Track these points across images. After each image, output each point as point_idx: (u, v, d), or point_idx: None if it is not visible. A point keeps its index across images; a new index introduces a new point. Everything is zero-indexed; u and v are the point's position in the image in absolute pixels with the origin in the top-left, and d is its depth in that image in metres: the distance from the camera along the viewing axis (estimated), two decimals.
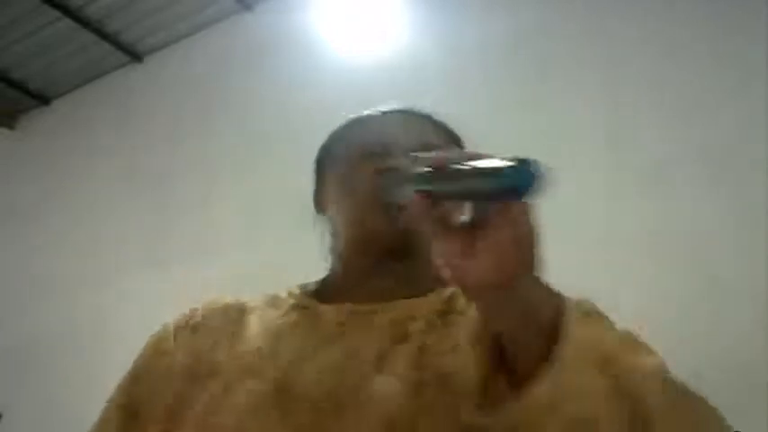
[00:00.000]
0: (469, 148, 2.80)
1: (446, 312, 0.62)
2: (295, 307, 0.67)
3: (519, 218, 0.42)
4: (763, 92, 2.12)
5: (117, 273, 3.30)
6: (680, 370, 1.81)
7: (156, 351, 0.67)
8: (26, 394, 3.22)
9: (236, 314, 0.68)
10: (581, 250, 2.21)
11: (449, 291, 0.64)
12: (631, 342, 0.51)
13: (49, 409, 3.00)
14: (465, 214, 0.45)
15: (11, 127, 4.50)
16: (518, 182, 0.39)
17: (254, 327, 0.65)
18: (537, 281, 0.44)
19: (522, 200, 0.41)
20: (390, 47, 3.15)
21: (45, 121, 4.44)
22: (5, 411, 3.21)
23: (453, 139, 0.75)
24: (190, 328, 0.68)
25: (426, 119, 0.75)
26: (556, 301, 0.45)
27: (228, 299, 0.73)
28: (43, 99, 4.43)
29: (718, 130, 2.20)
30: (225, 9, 3.80)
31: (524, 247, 0.42)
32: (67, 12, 3.67)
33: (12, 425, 3.15)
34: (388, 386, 0.53)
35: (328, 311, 0.64)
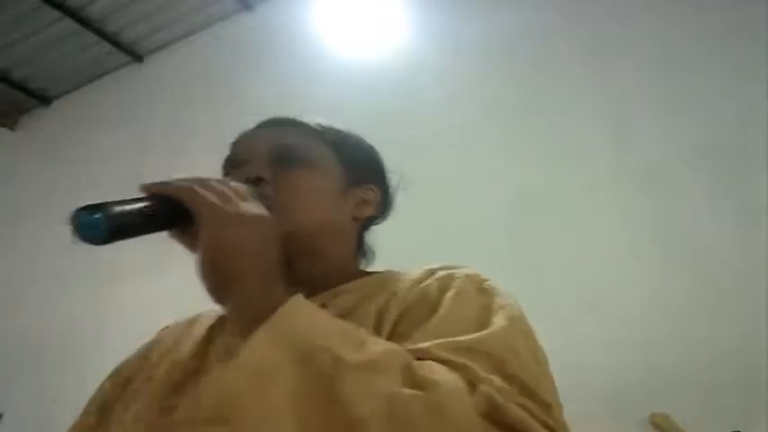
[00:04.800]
0: (465, 148, 2.78)
1: None
2: (224, 316, 0.72)
3: (202, 232, 0.51)
4: (763, 92, 2.13)
5: (117, 273, 3.30)
6: (680, 369, 1.81)
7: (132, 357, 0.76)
8: (26, 394, 3.22)
9: (184, 326, 0.75)
10: (581, 250, 2.21)
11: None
12: None
13: (48, 409, 2.99)
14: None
15: (12, 127, 4.50)
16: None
17: (190, 338, 0.71)
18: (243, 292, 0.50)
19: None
20: (390, 47, 3.15)
21: (45, 121, 4.44)
22: (5, 411, 3.21)
23: (326, 136, 0.76)
24: (150, 342, 0.77)
25: (287, 123, 0.77)
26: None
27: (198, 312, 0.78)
28: (44, 99, 4.43)
29: (718, 130, 2.20)
30: (225, 9, 3.81)
31: (211, 258, 0.51)
32: (68, 12, 3.67)
33: (12, 425, 3.16)
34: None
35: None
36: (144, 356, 0.73)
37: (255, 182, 0.66)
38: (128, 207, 0.49)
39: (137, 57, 4.11)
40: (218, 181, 0.55)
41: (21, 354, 3.34)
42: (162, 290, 2.92)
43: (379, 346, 0.45)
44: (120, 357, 0.76)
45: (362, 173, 0.77)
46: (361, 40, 3.26)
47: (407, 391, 0.40)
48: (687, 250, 2.05)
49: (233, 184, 0.57)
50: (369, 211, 0.76)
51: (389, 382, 0.41)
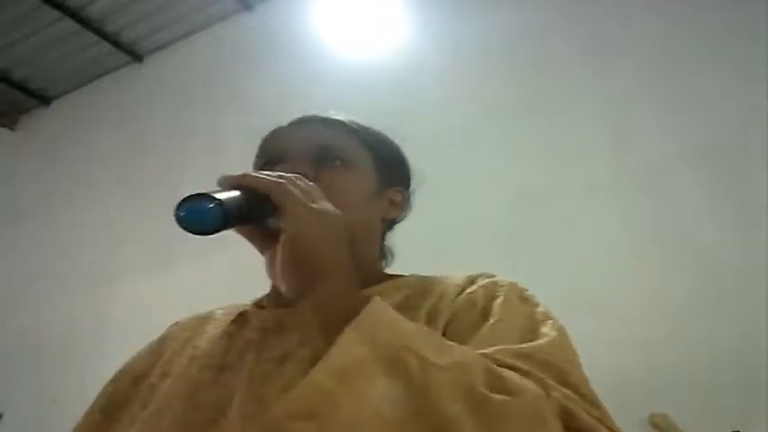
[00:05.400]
0: (465, 148, 2.78)
1: None
2: (242, 313, 0.72)
3: (288, 227, 0.50)
4: (763, 92, 2.13)
5: (117, 273, 3.30)
6: (680, 369, 1.81)
7: (136, 355, 0.75)
8: (26, 394, 3.22)
9: (197, 322, 0.75)
10: (581, 250, 2.21)
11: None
12: None
13: (48, 409, 3.00)
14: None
15: (12, 127, 4.51)
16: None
17: (205, 334, 0.70)
18: (331, 286, 0.50)
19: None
20: (390, 47, 3.15)
21: (45, 121, 4.44)
22: (5, 411, 3.21)
23: (363, 137, 0.76)
24: (160, 337, 0.76)
25: (328, 122, 0.76)
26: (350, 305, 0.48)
27: (209, 309, 0.78)
28: (43, 99, 4.43)
29: (718, 130, 2.20)
30: (225, 9, 3.81)
31: (297, 253, 0.50)
32: (68, 12, 3.68)
33: (12, 425, 3.15)
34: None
35: (255, 317, 0.70)
36: (155, 352, 0.73)
37: None
38: (232, 197, 0.49)
39: (137, 57, 4.11)
40: (298, 178, 0.55)
41: (21, 354, 3.34)
42: (162, 290, 2.92)
43: (457, 348, 0.46)
44: (120, 357, 0.76)
45: (393, 175, 0.78)
46: (361, 40, 3.26)
47: (498, 396, 0.42)
48: (687, 250, 2.05)
49: (309, 182, 0.56)
50: (395, 213, 0.78)
51: (476, 384, 0.42)
